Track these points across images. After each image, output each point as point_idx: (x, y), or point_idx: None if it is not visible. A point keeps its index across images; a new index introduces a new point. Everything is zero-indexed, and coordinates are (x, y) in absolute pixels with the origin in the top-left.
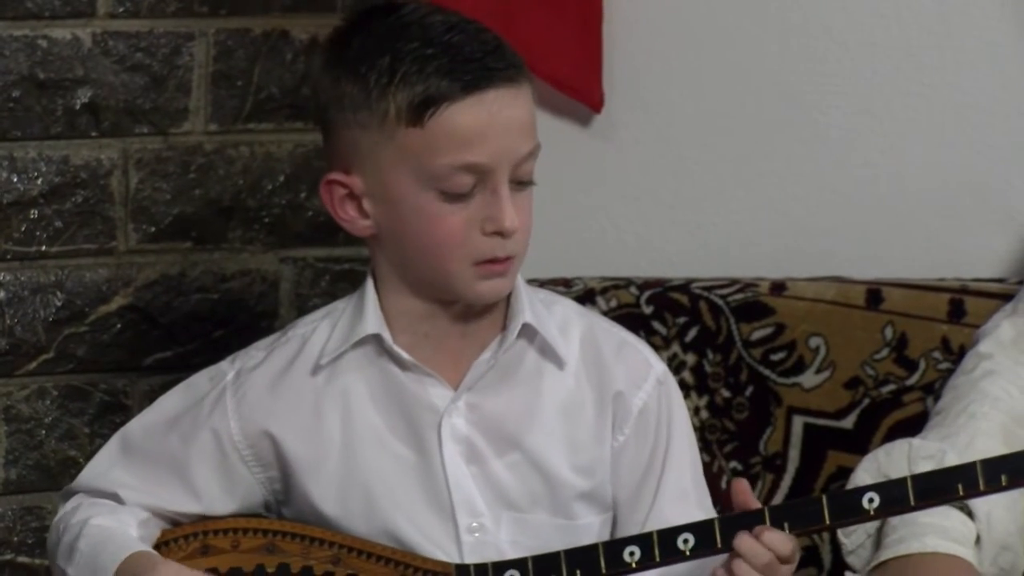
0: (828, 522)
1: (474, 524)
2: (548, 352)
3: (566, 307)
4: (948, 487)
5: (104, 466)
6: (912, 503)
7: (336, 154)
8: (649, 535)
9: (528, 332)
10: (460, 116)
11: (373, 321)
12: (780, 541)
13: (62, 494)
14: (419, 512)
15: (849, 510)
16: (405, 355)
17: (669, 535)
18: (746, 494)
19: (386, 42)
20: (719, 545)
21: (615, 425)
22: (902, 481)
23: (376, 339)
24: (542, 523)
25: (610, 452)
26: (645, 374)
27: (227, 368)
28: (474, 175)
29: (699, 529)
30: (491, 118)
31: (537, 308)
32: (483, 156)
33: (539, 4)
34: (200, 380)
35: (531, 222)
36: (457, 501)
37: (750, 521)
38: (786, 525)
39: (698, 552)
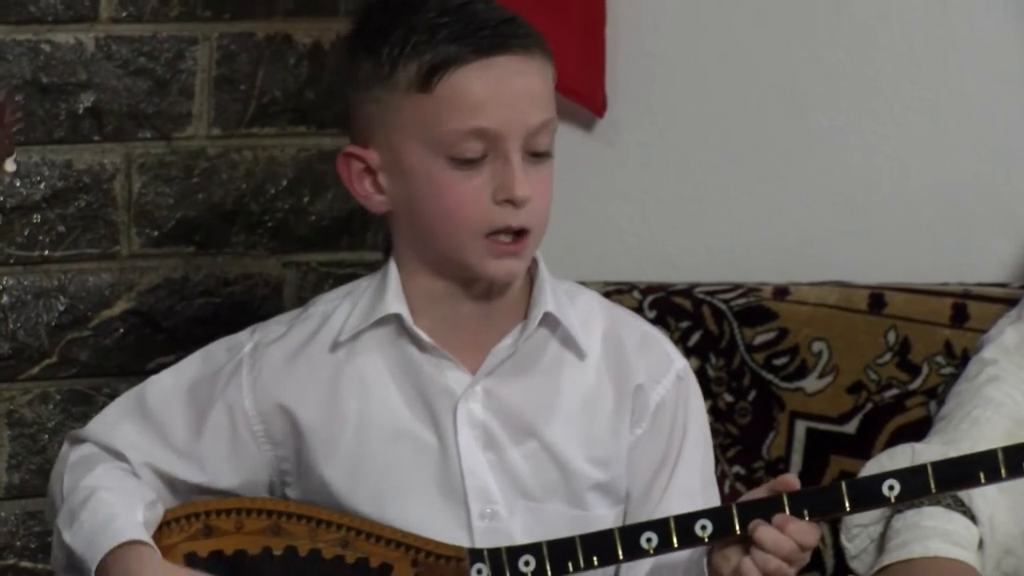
0: (848, 508)
1: (487, 510)
2: (569, 343)
3: (590, 299)
4: (969, 474)
5: (115, 419)
6: (933, 490)
7: (354, 130)
8: (666, 521)
9: (550, 322)
10: (468, 80)
11: (394, 301)
12: (804, 531)
13: (69, 437)
14: (431, 495)
15: (869, 497)
16: (424, 336)
17: (686, 521)
18: (789, 486)
19: (402, 15)
20: (737, 531)
21: (633, 419)
22: (922, 468)
23: (396, 319)
24: (556, 513)
25: (627, 445)
26: (666, 368)
27: (245, 340)
28: (483, 141)
29: (717, 515)
30: (499, 84)
31: (560, 298)
32: (492, 121)
33: (542, 8)
34: (218, 349)
35: (549, 197)
36: (470, 487)
37: (769, 507)
38: (806, 512)
39: (716, 538)
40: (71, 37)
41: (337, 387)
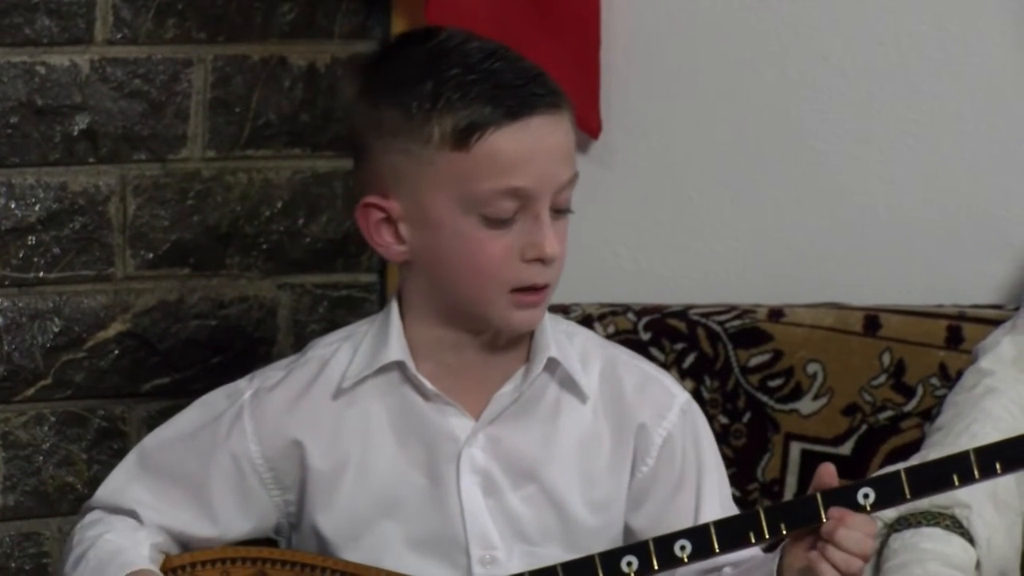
0: (825, 520)
1: (487, 556)
2: (569, 385)
3: (586, 339)
4: (943, 478)
5: (122, 482)
6: (908, 496)
7: (373, 178)
8: (645, 543)
9: (550, 364)
10: (505, 141)
11: (397, 348)
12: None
13: (81, 511)
14: (430, 543)
15: (845, 507)
16: (428, 384)
17: (665, 542)
18: (831, 477)
19: (427, 68)
20: (716, 550)
21: (637, 457)
22: (895, 475)
23: (399, 366)
24: (554, 557)
25: (627, 486)
26: (668, 404)
27: (245, 387)
28: (517, 200)
29: (695, 535)
30: (535, 143)
31: (560, 340)
32: (526, 181)
33: (537, 31)
34: (217, 397)
35: (566, 251)
36: (472, 533)
37: (746, 524)
38: (783, 526)
39: (696, 558)
40: (66, 59)
41: (338, 434)
